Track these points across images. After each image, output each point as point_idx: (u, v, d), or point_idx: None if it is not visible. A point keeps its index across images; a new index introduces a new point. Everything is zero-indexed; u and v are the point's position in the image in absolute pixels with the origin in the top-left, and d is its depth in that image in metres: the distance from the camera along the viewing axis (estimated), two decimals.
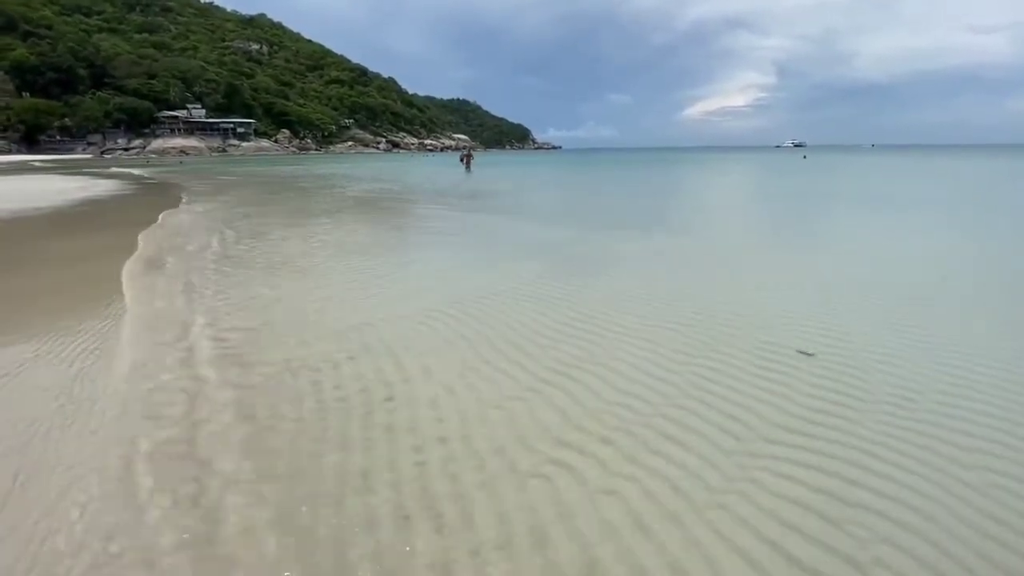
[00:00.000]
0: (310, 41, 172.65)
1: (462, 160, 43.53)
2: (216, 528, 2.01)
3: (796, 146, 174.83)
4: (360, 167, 42.61)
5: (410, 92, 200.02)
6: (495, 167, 36.82)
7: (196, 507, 2.12)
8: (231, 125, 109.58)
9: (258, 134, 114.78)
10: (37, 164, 45.42)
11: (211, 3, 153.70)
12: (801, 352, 3.66)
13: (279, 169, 39.92)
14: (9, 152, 75.96)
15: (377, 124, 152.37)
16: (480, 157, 35.62)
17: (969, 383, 3.16)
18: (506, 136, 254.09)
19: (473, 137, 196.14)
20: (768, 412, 2.84)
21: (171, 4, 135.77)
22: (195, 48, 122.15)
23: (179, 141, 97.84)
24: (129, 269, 6.20)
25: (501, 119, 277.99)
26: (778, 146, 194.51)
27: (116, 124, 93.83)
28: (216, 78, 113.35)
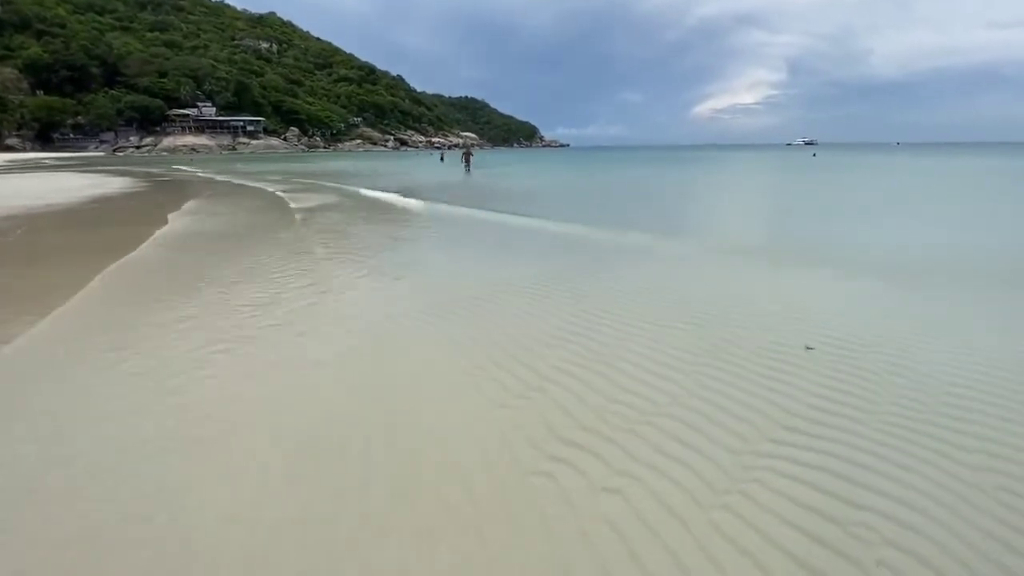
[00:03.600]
0: (319, 39, 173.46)
1: (442, 159, 43.53)
2: None
3: (807, 144, 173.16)
4: (367, 164, 42.73)
5: (418, 90, 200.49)
6: (493, 167, 36.61)
7: None
8: (241, 123, 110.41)
9: (267, 132, 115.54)
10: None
11: (222, 2, 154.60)
12: (809, 348, 3.70)
13: (305, 166, 40.10)
14: (24, 150, 76.99)
15: (385, 122, 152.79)
16: (482, 155, 35.04)
17: (977, 385, 3.13)
18: (514, 134, 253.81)
19: (481, 135, 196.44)
20: (774, 412, 2.83)
21: (182, 3, 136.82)
22: (206, 47, 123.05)
23: (190, 139, 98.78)
24: None
25: (509, 117, 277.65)
26: (789, 144, 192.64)
27: (128, 122, 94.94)
28: (226, 76, 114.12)
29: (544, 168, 35.86)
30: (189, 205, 13.06)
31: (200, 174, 29.17)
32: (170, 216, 10.79)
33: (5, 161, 45.57)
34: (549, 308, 4.65)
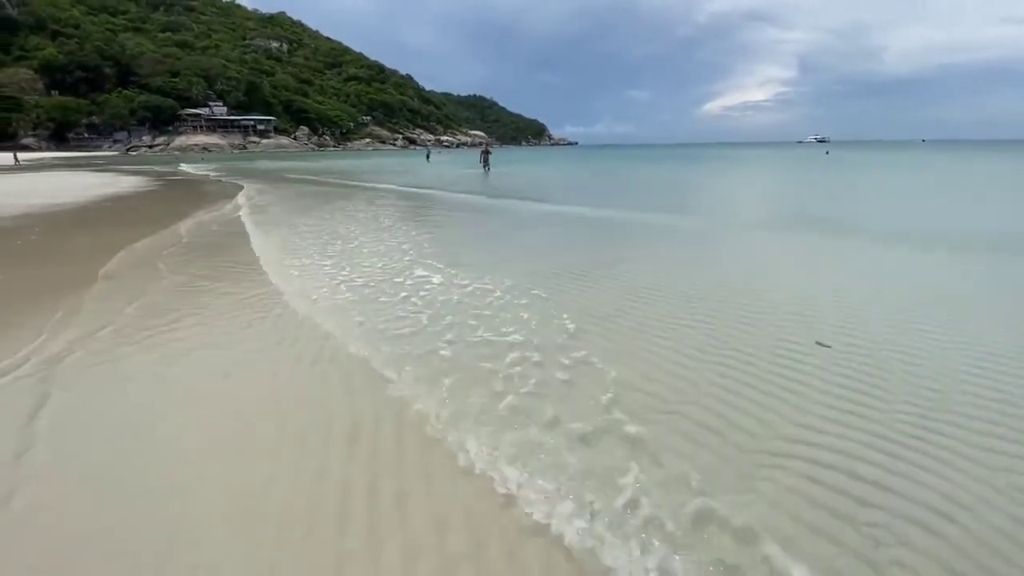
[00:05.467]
0: (329, 38, 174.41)
1: (428, 158, 43.89)
2: None
3: (819, 141, 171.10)
4: (368, 162, 42.76)
5: (427, 89, 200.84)
6: (506, 167, 36.02)
7: None
8: (251, 122, 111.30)
9: (278, 131, 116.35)
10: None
11: (232, 2, 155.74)
12: (820, 344, 3.65)
13: (309, 164, 40.27)
14: (39, 149, 78.12)
15: (394, 121, 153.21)
16: (494, 154, 34.15)
17: (993, 383, 3.08)
18: (522, 132, 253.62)
19: (489, 133, 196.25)
20: (786, 410, 2.80)
21: (194, 3, 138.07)
22: (217, 46, 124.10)
23: (201, 138, 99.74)
24: None
25: (517, 115, 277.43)
26: (800, 141, 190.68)
27: (141, 121, 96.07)
28: (237, 76, 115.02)
29: (559, 170, 34.44)
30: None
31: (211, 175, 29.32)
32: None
33: (22, 160, 46.25)
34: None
